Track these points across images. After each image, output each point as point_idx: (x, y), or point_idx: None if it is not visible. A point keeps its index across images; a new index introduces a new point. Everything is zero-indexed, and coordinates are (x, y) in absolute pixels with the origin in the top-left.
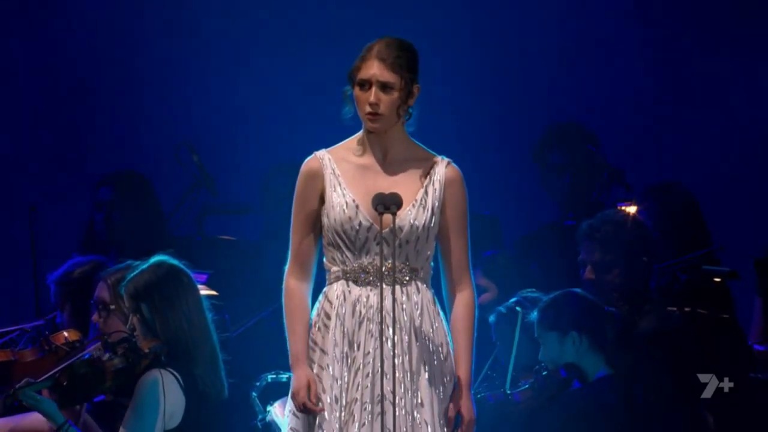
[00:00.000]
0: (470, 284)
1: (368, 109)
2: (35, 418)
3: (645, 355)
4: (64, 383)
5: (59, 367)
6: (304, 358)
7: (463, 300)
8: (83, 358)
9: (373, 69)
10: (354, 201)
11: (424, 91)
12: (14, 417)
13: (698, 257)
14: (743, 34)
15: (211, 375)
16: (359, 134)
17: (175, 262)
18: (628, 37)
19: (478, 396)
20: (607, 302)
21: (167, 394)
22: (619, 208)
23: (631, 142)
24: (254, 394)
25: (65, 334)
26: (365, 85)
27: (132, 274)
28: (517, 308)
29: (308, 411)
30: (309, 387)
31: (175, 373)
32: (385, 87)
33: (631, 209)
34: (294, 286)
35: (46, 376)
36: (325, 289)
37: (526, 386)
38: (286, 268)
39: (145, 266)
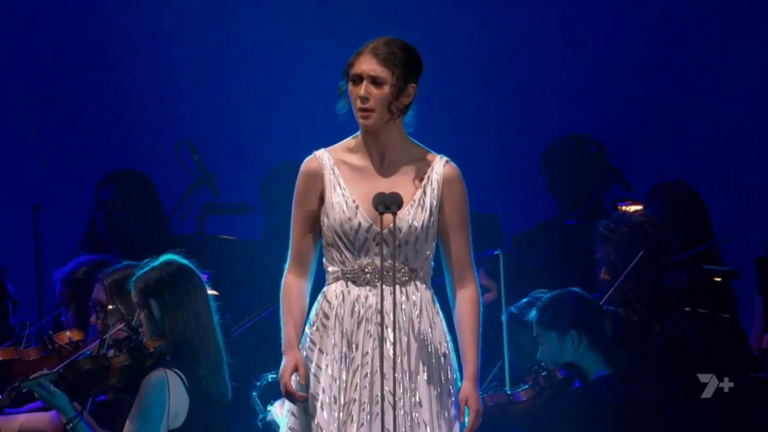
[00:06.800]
0: (473, 281)
1: (359, 104)
2: (40, 417)
3: (656, 359)
4: (70, 378)
5: (65, 362)
6: (295, 344)
7: (467, 296)
8: (87, 354)
9: (365, 63)
10: (354, 201)
11: (425, 89)
12: (17, 415)
13: (699, 252)
14: (745, 33)
15: (215, 376)
16: (357, 135)
17: (185, 261)
18: (630, 36)
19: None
20: (624, 304)
21: (172, 393)
22: (619, 207)
23: (632, 141)
24: (254, 393)
25: (68, 333)
26: (357, 80)
27: (142, 271)
28: (511, 310)
29: (290, 395)
30: (296, 372)
31: (180, 373)
32: (375, 81)
33: (634, 208)
34: (291, 280)
35: (53, 370)
36: (324, 289)
37: (527, 386)
38: (286, 266)
39: (155, 263)
